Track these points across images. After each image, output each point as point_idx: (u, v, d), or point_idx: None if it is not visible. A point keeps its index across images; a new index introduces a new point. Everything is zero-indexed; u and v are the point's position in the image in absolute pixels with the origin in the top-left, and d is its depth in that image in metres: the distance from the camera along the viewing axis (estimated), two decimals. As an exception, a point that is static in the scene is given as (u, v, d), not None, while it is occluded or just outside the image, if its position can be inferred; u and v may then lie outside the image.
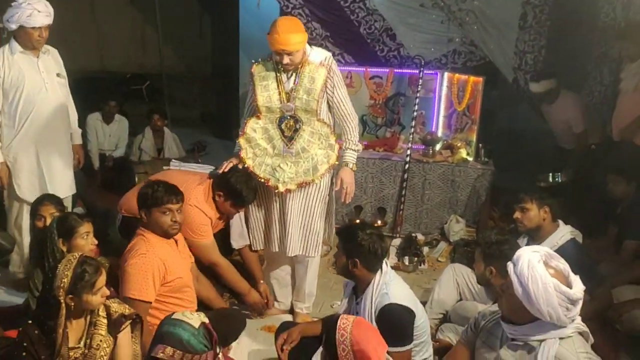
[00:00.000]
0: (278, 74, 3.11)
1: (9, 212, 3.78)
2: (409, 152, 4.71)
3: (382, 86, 5.12)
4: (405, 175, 4.69)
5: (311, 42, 5.57)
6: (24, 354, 2.16)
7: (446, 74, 5.01)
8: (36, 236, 3.16)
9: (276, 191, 3.22)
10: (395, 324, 2.48)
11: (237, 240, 3.53)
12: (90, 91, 6.19)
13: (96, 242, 2.88)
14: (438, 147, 4.86)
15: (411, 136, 4.80)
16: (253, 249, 3.49)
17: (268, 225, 3.38)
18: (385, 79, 5.10)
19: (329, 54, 3.23)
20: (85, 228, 2.82)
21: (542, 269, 2.00)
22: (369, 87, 5.12)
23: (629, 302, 3.19)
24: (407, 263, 4.21)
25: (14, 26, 3.45)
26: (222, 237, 3.57)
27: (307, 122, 3.15)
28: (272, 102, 3.11)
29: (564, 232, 3.24)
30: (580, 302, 2.02)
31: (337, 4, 5.42)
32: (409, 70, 5.11)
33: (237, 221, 3.51)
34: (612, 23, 4.70)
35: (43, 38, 3.52)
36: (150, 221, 2.82)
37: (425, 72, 4.96)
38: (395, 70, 5.11)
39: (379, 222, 4.69)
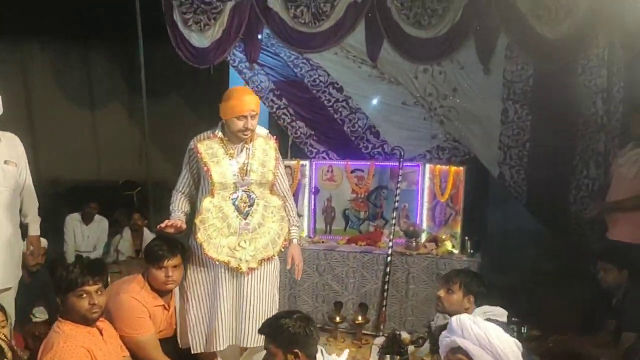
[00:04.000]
0: (228, 150, 3.05)
1: None
2: (390, 244, 4.51)
3: (363, 179, 5.03)
4: (388, 269, 4.45)
5: (296, 140, 5.69)
6: None
7: (428, 166, 4.94)
8: None
9: (239, 272, 3.02)
10: None
11: (184, 337, 3.19)
12: (84, 199, 6.22)
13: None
14: (423, 239, 4.66)
15: (393, 228, 4.63)
16: (193, 351, 3.13)
17: (217, 319, 3.05)
18: (366, 172, 5.04)
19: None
20: None
21: (491, 325, 1.89)
22: (350, 180, 5.05)
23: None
24: (389, 362, 3.86)
25: None
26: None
27: (260, 196, 3.07)
28: (227, 177, 3.01)
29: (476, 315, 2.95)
30: None
31: (320, 103, 5.53)
32: (390, 164, 5.05)
33: (185, 319, 3.20)
34: (594, 117, 4.70)
35: None
36: (67, 308, 2.58)
37: (406, 164, 4.90)
38: (377, 164, 5.05)
39: (360, 319, 4.37)
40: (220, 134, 3.06)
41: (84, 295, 2.58)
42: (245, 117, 2.95)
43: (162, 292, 3.13)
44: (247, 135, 3.02)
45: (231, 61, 5.51)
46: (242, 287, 3.05)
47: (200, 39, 5.23)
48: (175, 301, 3.21)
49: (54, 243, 4.99)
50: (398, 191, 4.72)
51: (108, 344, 2.71)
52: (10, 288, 3.51)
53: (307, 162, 5.08)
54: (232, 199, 3.03)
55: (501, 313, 2.96)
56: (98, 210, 5.93)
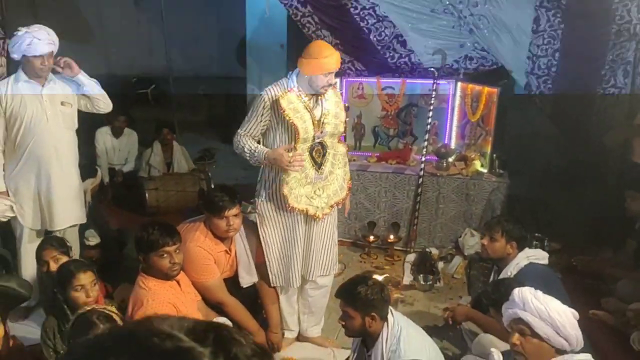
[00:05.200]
0: (306, 104, 3.07)
1: (19, 242, 3.68)
2: (422, 165, 4.65)
3: (394, 97, 5.04)
4: (419, 190, 4.64)
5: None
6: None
7: (459, 84, 4.92)
8: (42, 282, 3.15)
9: (315, 218, 3.19)
10: None
11: (245, 277, 3.42)
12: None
13: (95, 294, 2.82)
14: (451, 158, 4.78)
15: (424, 150, 4.73)
16: (272, 285, 3.38)
17: (294, 260, 3.28)
18: (397, 89, 5.03)
19: None
20: (79, 281, 2.76)
21: (550, 298, 2.06)
22: (380, 98, 5.05)
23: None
24: (422, 282, 4.17)
25: (16, 56, 3.41)
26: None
27: (330, 146, 3.18)
28: (309, 132, 3.07)
29: (520, 259, 3.12)
30: None
31: (346, 11, 5.33)
32: (422, 81, 5.02)
33: (245, 258, 3.41)
34: (627, 25, 4.61)
35: (46, 66, 3.42)
36: (149, 266, 2.79)
37: (439, 82, 4.88)
38: (408, 81, 5.02)
39: (392, 237, 4.64)
40: (296, 88, 3.06)
41: (165, 255, 2.78)
42: (331, 73, 3.00)
43: (223, 238, 3.32)
44: (327, 90, 3.07)
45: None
46: (312, 229, 3.25)
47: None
48: (236, 244, 3.41)
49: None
50: (431, 113, 4.75)
51: (186, 294, 2.96)
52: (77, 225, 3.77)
53: (337, 80, 5.03)
54: (310, 151, 3.12)
55: (543, 256, 3.17)
56: (127, 124, 5.96)
